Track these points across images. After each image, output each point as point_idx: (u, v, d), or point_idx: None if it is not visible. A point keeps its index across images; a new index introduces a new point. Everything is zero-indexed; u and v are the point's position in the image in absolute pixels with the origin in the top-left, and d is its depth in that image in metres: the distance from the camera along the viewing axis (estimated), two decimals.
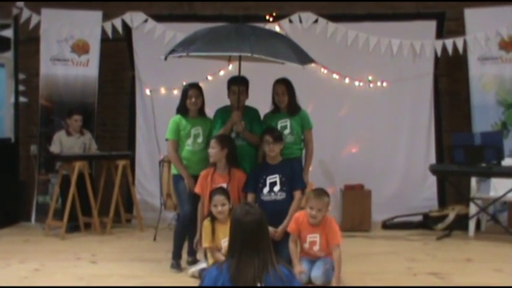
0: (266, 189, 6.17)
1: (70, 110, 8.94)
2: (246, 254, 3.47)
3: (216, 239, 5.84)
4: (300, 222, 5.92)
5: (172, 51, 6.27)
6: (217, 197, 5.83)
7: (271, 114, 6.67)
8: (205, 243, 5.92)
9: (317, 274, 5.71)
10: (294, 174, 6.24)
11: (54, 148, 8.64)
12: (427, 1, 9.60)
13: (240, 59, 6.41)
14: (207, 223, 5.94)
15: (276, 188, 6.16)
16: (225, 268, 3.48)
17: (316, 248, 5.89)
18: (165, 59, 6.34)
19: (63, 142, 8.69)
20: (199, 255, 6.48)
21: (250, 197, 6.21)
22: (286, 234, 6.05)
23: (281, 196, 6.17)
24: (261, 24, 8.23)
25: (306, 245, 5.94)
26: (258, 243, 3.50)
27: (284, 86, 6.53)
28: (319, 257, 5.87)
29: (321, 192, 5.89)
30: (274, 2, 9.53)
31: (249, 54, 5.79)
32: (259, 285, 3.42)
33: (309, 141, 6.62)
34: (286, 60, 6.17)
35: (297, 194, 6.21)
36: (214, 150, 6.03)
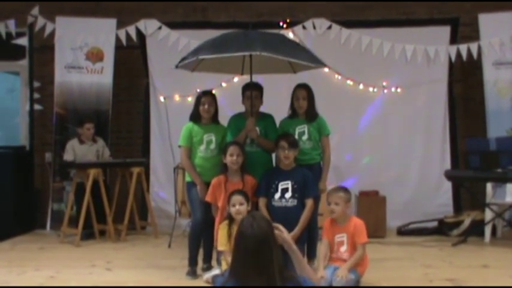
0: (277, 195, 6.16)
1: (81, 119, 8.99)
2: (247, 274, 3.21)
3: (232, 242, 5.85)
4: (328, 225, 6.03)
5: (183, 59, 6.31)
6: (235, 196, 5.85)
7: (289, 119, 6.64)
8: (221, 247, 5.94)
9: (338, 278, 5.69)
10: (306, 182, 6.20)
11: (67, 156, 8.67)
12: (442, 3, 9.58)
13: (250, 65, 6.40)
14: (223, 226, 5.96)
15: (288, 195, 6.13)
16: None
17: (343, 248, 5.94)
18: (176, 67, 6.40)
19: (76, 150, 8.72)
20: (213, 262, 6.48)
21: (262, 202, 6.20)
22: (296, 242, 6.04)
23: (292, 203, 6.14)
24: (274, 31, 8.23)
25: (334, 247, 6.00)
26: (258, 261, 3.22)
27: (305, 91, 6.51)
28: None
29: (337, 188, 6.07)
30: (288, 9, 9.55)
31: (258, 53, 5.80)
32: None
33: (326, 147, 6.58)
34: (296, 59, 6.20)
35: (309, 202, 6.18)
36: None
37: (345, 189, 6.00)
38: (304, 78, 6.79)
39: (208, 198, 6.25)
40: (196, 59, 6.27)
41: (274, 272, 3.20)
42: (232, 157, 6.11)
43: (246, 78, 6.70)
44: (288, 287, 3.19)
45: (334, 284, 5.70)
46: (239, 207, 5.79)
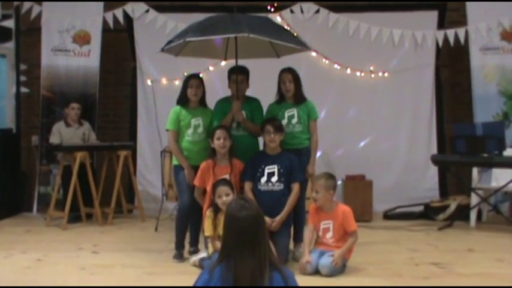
0: (264, 179, 6.19)
1: (68, 100, 8.98)
2: (241, 255, 3.17)
3: (219, 229, 5.80)
4: (313, 211, 6.05)
5: (169, 42, 6.29)
6: (221, 187, 5.84)
7: (277, 104, 6.61)
8: (207, 232, 5.94)
9: (325, 262, 5.74)
10: (292, 167, 6.23)
11: (54, 139, 8.65)
12: None
13: (236, 48, 6.42)
14: (209, 213, 5.96)
15: (274, 179, 6.18)
16: (216, 273, 3.19)
17: (329, 235, 5.97)
18: (162, 50, 6.39)
19: (62, 133, 8.69)
20: (201, 245, 6.50)
21: (248, 186, 6.23)
22: (283, 225, 6.15)
23: (278, 187, 6.18)
24: (262, 15, 8.22)
25: (320, 233, 6.03)
26: (254, 242, 3.19)
27: (291, 75, 6.49)
28: (333, 248, 5.90)
29: (319, 175, 6.08)
30: None
31: (246, 35, 5.80)
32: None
33: (314, 131, 6.56)
34: (282, 41, 6.21)
35: (295, 186, 6.23)
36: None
37: (327, 177, 5.99)
38: (291, 63, 6.78)
39: (196, 182, 6.25)
40: (183, 42, 6.24)
41: (266, 254, 3.20)
42: (219, 141, 6.10)
43: (233, 62, 6.68)
44: (274, 287, 3.18)
45: (320, 267, 5.77)
46: (225, 198, 5.76)
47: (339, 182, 8.86)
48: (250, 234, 3.20)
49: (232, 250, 3.21)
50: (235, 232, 3.23)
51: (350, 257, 6.01)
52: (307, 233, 6.08)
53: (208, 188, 6.15)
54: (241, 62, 6.57)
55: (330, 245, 5.95)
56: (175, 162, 6.57)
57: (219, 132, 6.13)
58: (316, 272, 5.78)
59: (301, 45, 6.41)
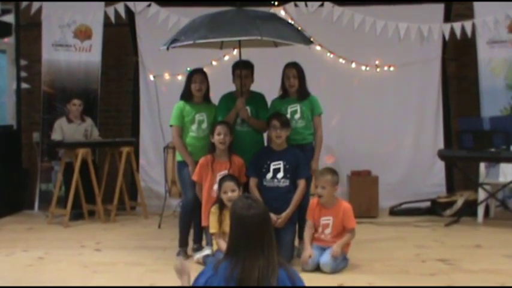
0: (269, 175, 6.14)
1: (70, 96, 8.92)
2: (250, 255, 3.15)
3: (224, 226, 5.77)
4: (314, 207, 6.01)
5: (175, 40, 6.16)
6: (227, 183, 5.78)
7: (280, 99, 6.56)
8: (212, 229, 5.88)
9: (326, 260, 5.72)
10: (298, 163, 6.18)
11: (56, 135, 8.58)
12: None
13: (239, 43, 6.36)
14: (214, 210, 5.90)
15: (280, 175, 6.12)
16: (221, 269, 3.17)
17: (327, 231, 5.94)
18: (168, 49, 6.26)
19: (64, 129, 8.63)
20: (204, 242, 6.46)
21: (253, 182, 6.18)
22: (288, 222, 6.11)
23: (284, 183, 6.13)
24: (266, 9, 8.15)
25: (319, 229, 5.99)
26: (262, 241, 3.18)
27: (295, 70, 6.42)
28: (330, 244, 5.85)
29: (324, 170, 6.04)
30: None
31: (259, 38, 5.72)
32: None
33: (318, 127, 6.52)
34: (292, 41, 6.18)
35: (301, 182, 6.18)
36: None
37: (332, 172, 5.97)
38: (295, 57, 6.73)
39: (194, 178, 6.23)
40: (193, 43, 6.08)
41: (274, 253, 3.18)
42: (219, 136, 6.06)
43: (237, 56, 6.61)
44: (281, 287, 3.11)
45: (322, 265, 5.76)
46: (231, 194, 5.71)
47: (344, 178, 8.82)
48: (259, 233, 3.18)
49: (240, 249, 3.18)
50: (243, 231, 3.21)
51: (348, 251, 5.98)
52: (307, 228, 6.05)
53: (206, 184, 6.14)
54: (244, 55, 6.48)
55: (328, 240, 5.93)
56: (179, 158, 6.53)
57: (219, 128, 6.09)
58: (316, 269, 5.77)
59: (308, 43, 6.44)
